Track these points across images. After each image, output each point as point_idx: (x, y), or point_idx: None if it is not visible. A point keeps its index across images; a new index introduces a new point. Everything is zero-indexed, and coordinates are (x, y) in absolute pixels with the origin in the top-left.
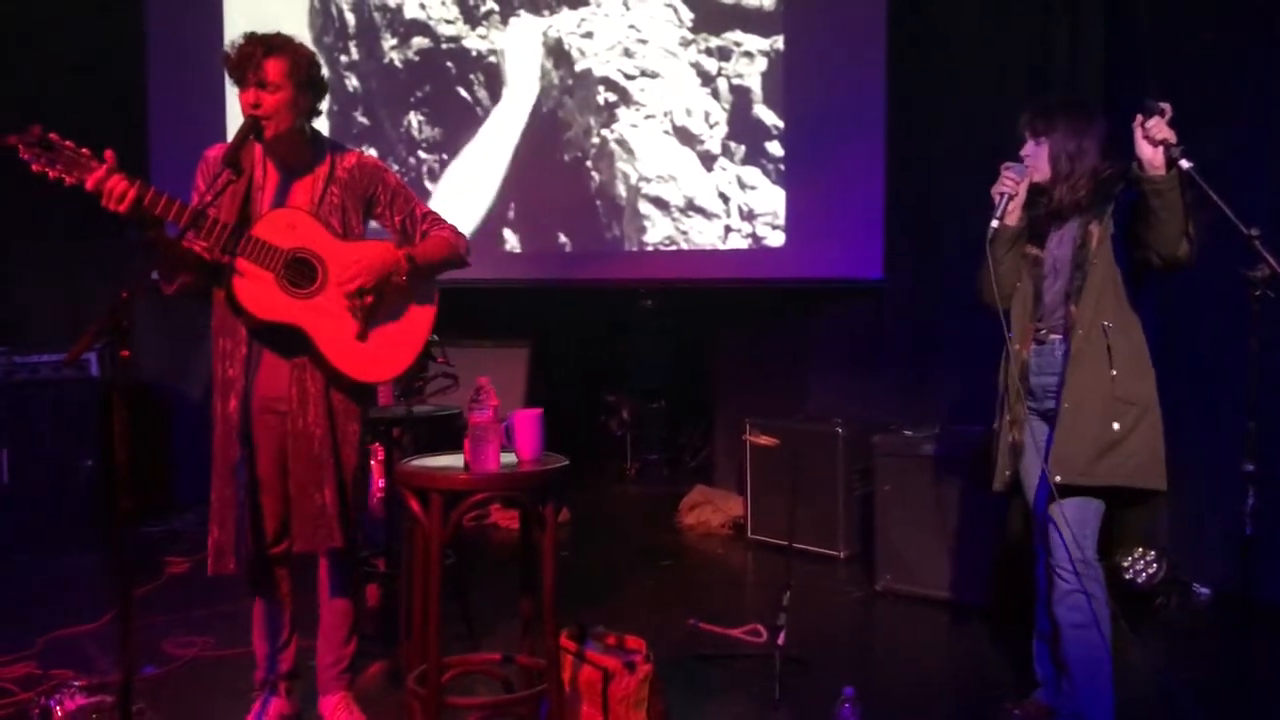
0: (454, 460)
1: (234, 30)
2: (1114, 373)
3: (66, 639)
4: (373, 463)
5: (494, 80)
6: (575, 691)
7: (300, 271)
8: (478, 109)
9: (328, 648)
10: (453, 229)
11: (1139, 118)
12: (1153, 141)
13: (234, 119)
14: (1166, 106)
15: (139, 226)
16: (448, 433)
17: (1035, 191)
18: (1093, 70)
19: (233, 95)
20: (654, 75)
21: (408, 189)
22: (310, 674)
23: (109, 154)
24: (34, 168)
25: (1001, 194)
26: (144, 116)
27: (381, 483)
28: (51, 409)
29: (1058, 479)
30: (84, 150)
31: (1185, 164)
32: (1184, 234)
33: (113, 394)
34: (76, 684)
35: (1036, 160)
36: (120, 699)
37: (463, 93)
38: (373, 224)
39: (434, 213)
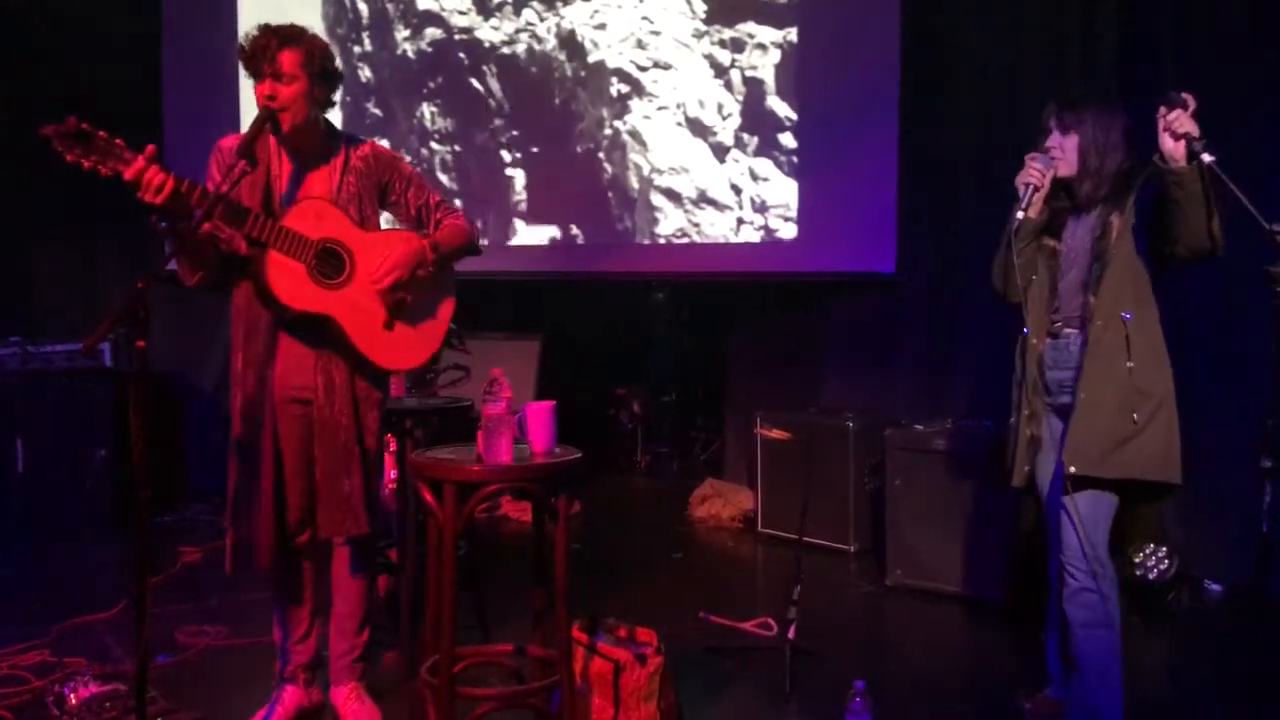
0: (466, 452)
1: (248, 21)
2: (1131, 364)
3: (80, 627)
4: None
5: (506, 72)
6: (586, 683)
7: (329, 262)
8: (490, 100)
9: (341, 637)
10: (464, 216)
11: (1161, 109)
12: (1174, 135)
13: (248, 109)
14: (1190, 98)
15: (171, 218)
16: (459, 424)
17: (1056, 185)
18: (1107, 60)
19: (247, 86)
20: (667, 67)
21: (421, 177)
22: (325, 663)
23: (150, 148)
24: (68, 158)
25: (1026, 185)
26: (158, 106)
27: (393, 474)
28: (66, 399)
29: (1072, 469)
30: (118, 141)
31: (1207, 157)
32: (1210, 225)
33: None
34: (90, 672)
35: (1065, 153)
36: (135, 687)
37: (475, 84)
38: (384, 214)
39: (446, 201)
